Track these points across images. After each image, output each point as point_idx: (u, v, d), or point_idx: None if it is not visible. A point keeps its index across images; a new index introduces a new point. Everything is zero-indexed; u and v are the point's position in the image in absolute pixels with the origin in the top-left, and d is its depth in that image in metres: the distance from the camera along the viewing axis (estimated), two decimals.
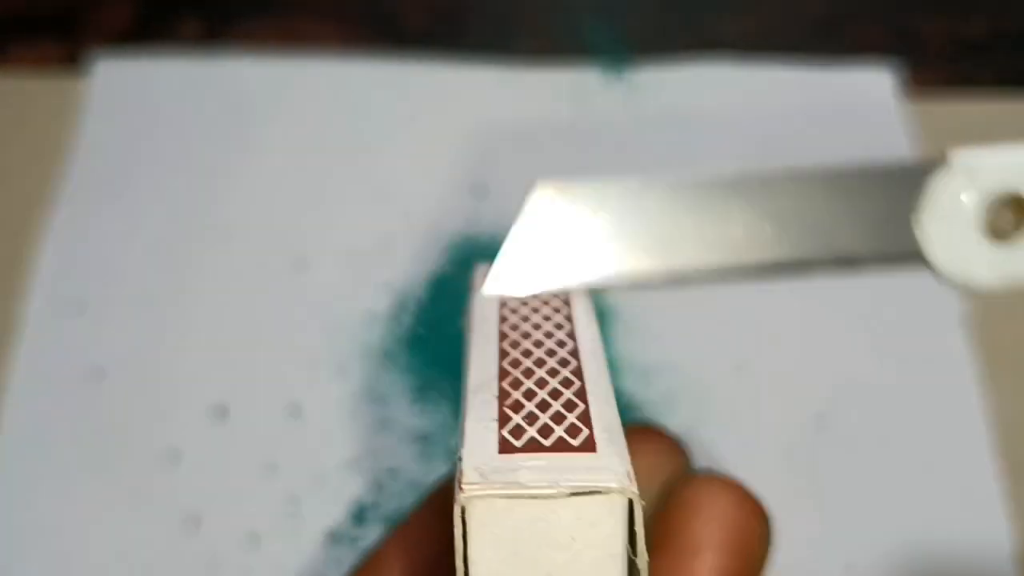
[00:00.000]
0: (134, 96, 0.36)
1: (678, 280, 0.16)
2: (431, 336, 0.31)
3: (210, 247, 0.33)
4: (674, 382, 0.30)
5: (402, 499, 0.28)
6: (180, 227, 0.33)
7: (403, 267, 0.32)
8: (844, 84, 0.37)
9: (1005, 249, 0.15)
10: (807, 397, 0.30)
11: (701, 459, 0.19)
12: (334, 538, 0.27)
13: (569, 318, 0.15)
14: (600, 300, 0.32)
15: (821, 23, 0.39)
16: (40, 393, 0.29)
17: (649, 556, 0.13)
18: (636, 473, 0.16)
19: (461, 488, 0.12)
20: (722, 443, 0.29)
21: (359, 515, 0.28)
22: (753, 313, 0.32)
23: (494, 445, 0.12)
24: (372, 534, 0.27)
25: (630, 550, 0.12)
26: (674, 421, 0.29)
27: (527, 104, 0.36)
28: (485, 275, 0.17)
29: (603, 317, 0.31)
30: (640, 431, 0.17)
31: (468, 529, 0.12)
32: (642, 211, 0.16)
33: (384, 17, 0.39)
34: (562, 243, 0.16)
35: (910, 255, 0.16)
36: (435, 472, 0.28)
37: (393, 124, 0.36)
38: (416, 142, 0.35)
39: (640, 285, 0.16)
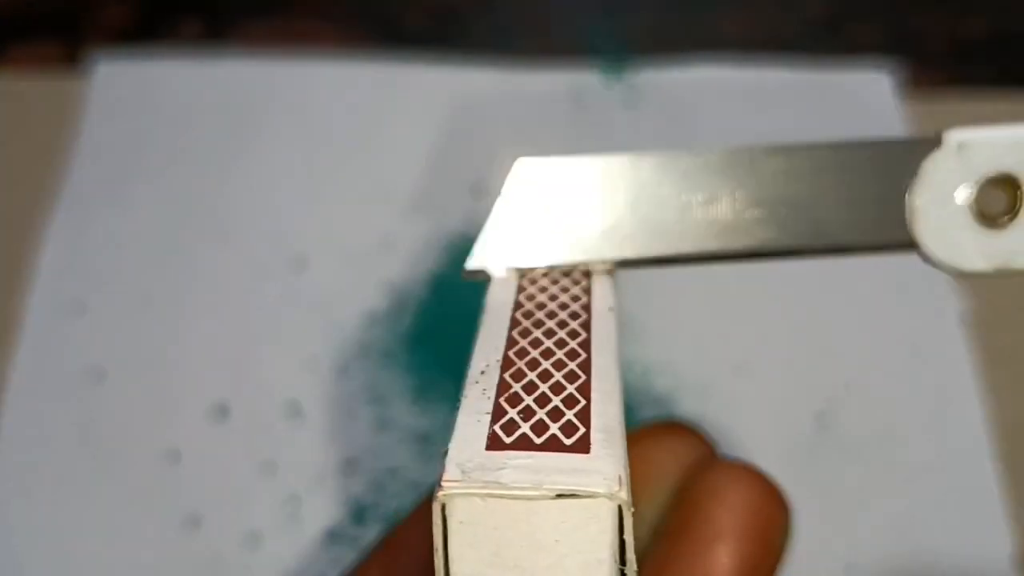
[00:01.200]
0: (134, 97, 0.36)
1: (662, 262, 0.16)
2: (431, 336, 0.31)
3: (210, 247, 0.33)
4: (674, 382, 0.30)
5: (401, 499, 0.28)
6: (180, 227, 0.33)
7: (403, 267, 0.32)
8: (844, 85, 0.37)
9: (996, 233, 0.15)
10: (807, 397, 0.30)
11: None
12: (334, 538, 0.27)
13: (587, 307, 0.15)
14: None
15: (820, 24, 0.39)
16: (40, 393, 0.30)
17: (666, 543, 0.13)
18: (656, 463, 0.16)
19: (441, 485, 0.11)
20: (722, 443, 0.29)
21: (359, 515, 0.28)
22: (753, 313, 0.32)
23: (482, 441, 0.12)
24: (372, 534, 0.27)
25: (619, 558, 0.11)
26: None
27: (527, 104, 0.36)
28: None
29: None
30: (665, 425, 0.17)
31: (448, 527, 0.11)
32: (626, 189, 0.15)
33: (383, 18, 0.39)
34: (545, 220, 0.15)
35: (900, 240, 0.15)
36: (434, 471, 0.28)
37: (392, 124, 0.36)
38: (416, 142, 0.35)
39: (623, 264, 0.16)
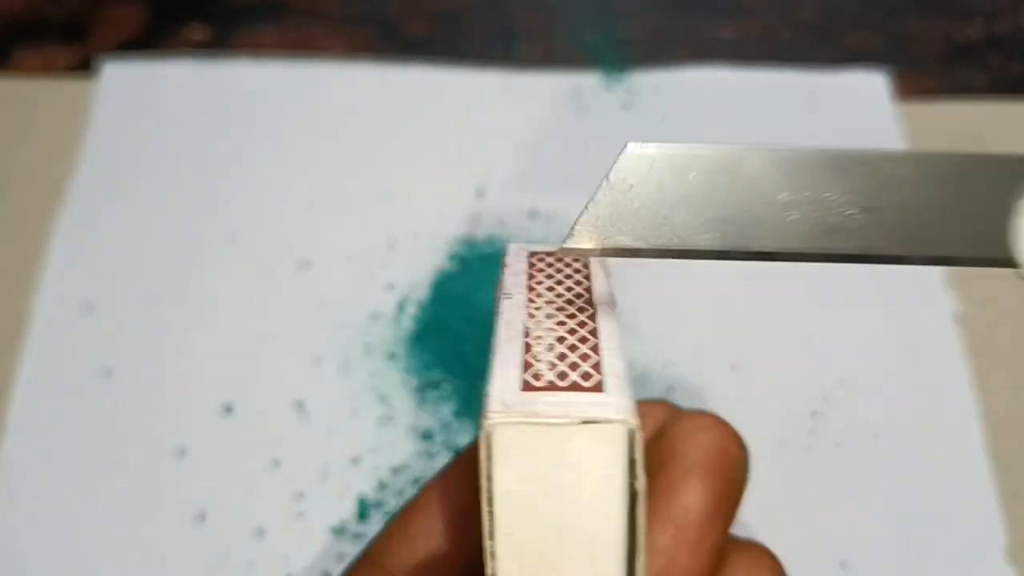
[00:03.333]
0: (141, 99, 0.36)
1: (759, 257, 0.16)
2: (434, 336, 0.31)
3: (216, 248, 0.33)
4: (671, 380, 0.31)
5: (405, 496, 0.28)
6: (186, 228, 0.33)
7: (406, 267, 0.33)
8: (839, 87, 0.37)
9: None
10: (802, 395, 0.30)
11: None
12: (338, 533, 0.28)
13: (588, 289, 0.17)
14: None
15: (816, 29, 0.40)
16: (49, 391, 0.30)
17: (647, 477, 0.15)
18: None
19: (487, 416, 0.13)
20: None
21: (362, 511, 0.28)
22: (749, 312, 0.32)
23: (517, 384, 0.14)
24: (375, 530, 0.28)
25: (630, 473, 0.14)
26: None
27: (528, 108, 0.37)
28: (516, 253, 0.19)
29: None
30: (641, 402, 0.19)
31: (492, 450, 0.13)
32: (731, 180, 0.15)
33: (386, 23, 0.39)
34: (646, 205, 0.16)
35: (1001, 257, 0.15)
36: (437, 469, 0.29)
37: (396, 127, 0.36)
38: (418, 145, 0.36)
39: (718, 257, 0.16)
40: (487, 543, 0.14)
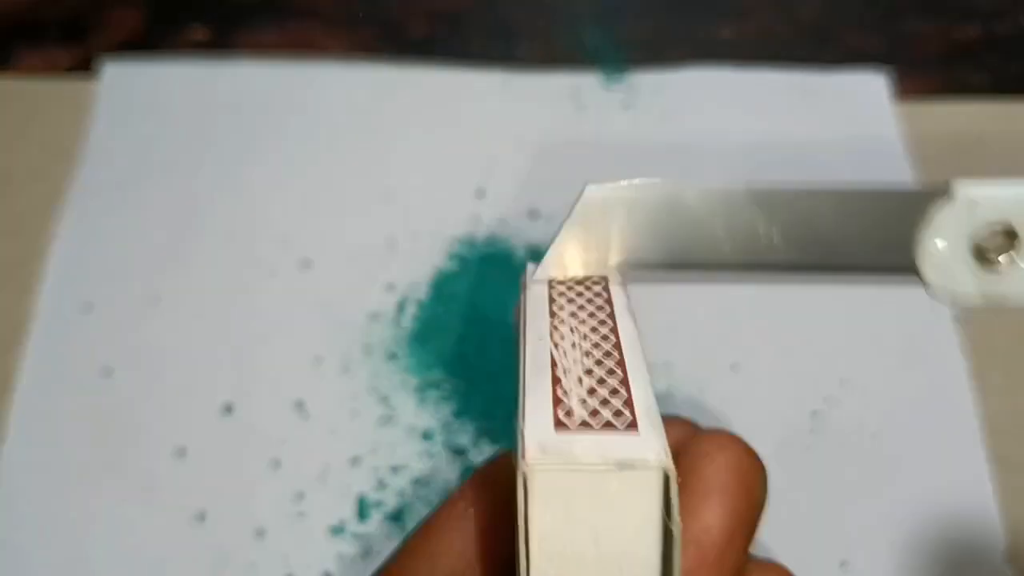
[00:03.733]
0: (142, 100, 0.36)
1: (704, 272, 0.18)
2: (433, 336, 0.31)
3: (215, 248, 0.33)
4: (670, 381, 0.31)
5: (404, 495, 0.28)
6: (186, 228, 0.33)
7: (406, 267, 0.33)
8: (838, 88, 0.37)
9: (991, 273, 0.17)
10: (803, 395, 0.31)
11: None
12: (337, 533, 0.28)
13: (611, 315, 0.17)
14: None
15: (816, 29, 0.40)
16: (50, 391, 0.30)
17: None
18: None
19: (525, 459, 0.13)
20: None
21: (362, 511, 0.28)
22: (749, 313, 0.32)
23: (550, 423, 0.14)
24: (375, 530, 0.28)
25: (665, 516, 0.14)
26: None
27: (528, 106, 0.37)
28: (533, 275, 0.19)
29: None
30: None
31: (529, 494, 0.14)
32: (676, 210, 0.18)
33: (388, 25, 0.40)
34: (605, 235, 0.18)
35: (905, 269, 0.17)
36: (437, 468, 0.29)
37: (396, 128, 0.36)
38: (419, 145, 0.36)
39: (669, 275, 0.18)
40: None
